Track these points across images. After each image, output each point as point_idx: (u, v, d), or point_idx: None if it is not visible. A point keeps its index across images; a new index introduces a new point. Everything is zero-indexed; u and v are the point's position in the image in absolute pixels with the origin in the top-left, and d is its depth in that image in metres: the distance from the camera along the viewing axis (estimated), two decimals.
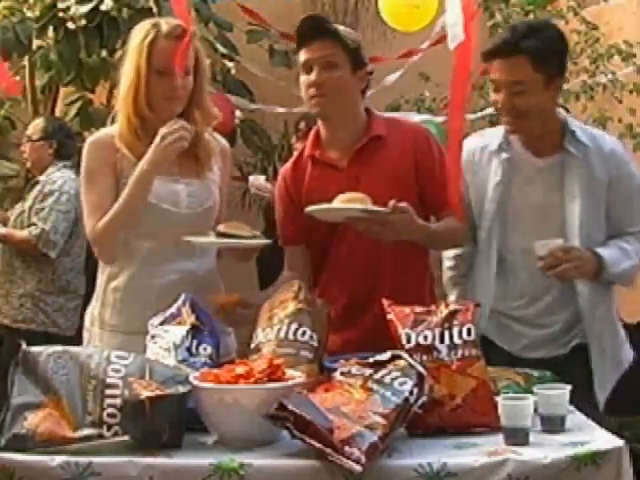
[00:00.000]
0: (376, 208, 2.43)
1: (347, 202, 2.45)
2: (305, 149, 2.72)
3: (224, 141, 2.75)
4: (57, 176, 4.49)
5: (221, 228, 2.52)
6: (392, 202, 2.42)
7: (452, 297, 2.84)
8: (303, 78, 2.61)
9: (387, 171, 2.61)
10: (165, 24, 2.54)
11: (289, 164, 2.79)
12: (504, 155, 2.67)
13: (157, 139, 2.45)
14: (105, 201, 2.51)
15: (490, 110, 4.99)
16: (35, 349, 2.00)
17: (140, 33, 2.54)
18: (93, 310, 2.63)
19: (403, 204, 2.43)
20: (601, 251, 2.58)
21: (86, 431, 1.91)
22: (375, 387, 1.91)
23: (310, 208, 2.48)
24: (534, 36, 2.54)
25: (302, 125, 4.37)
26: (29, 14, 5.04)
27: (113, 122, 2.61)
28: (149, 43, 2.50)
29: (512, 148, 2.69)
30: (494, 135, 2.74)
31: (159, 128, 2.51)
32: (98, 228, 2.51)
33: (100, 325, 2.59)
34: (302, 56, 2.61)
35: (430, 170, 2.63)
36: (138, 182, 2.47)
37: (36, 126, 4.65)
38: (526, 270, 2.64)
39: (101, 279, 2.64)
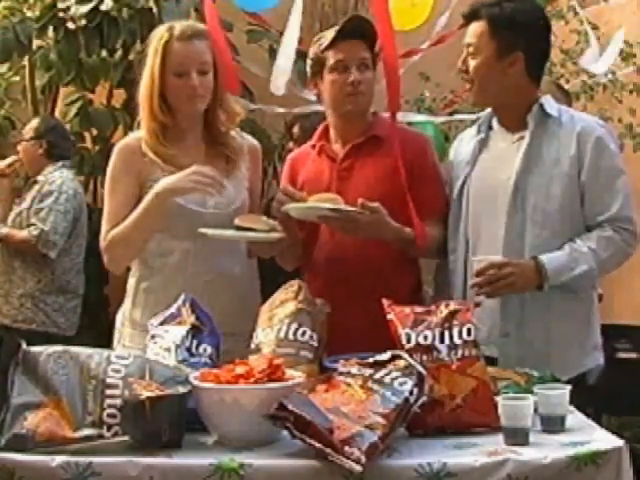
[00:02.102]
0: (344, 207, 2.49)
1: (319, 202, 2.52)
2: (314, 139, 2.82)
3: (252, 140, 2.79)
4: (56, 176, 4.50)
5: (237, 221, 2.52)
6: (360, 200, 2.49)
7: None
8: (334, 77, 2.68)
9: (378, 170, 2.67)
10: (178, 26, 2.57)
11: (297, 151, 2.91)
12: (480, 136, 2.72)
13: (188, 170, 2.45)
14: (121, 210, 2.54)
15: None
16: (35, 349, 2.00)
17: (155, 37, 2.58)
18: (124, 310, 2.65)
19: (374, 204, 2.50)
20: (545, 260, 2.48)
21: (86, 431, 1.91)
22: (375, 387, 1.91)
23: (285, 207, 2.53)
24: (499, 5, 2.59)
25: (296, 129, 4.35)
26: (29, 14, 5.03)
27: (139, 127, 2.63)
28: (163, 45, 2.53)
29: (492, 129, 2.72)
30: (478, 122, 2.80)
31: (184, 130, 2.56)
32: (108, 238, 2.54)
33: (132, 325, 2.60)
34: (336, 55, 2.67)
35: (420, 178, 2.68)
36: (149, 205, 2.48)
37: (31, 126, 4.66)
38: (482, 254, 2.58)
39: (132, 280, 2.65)
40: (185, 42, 2.54)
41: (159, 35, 2.56)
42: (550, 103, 2.65)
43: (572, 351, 2.58)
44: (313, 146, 2.79)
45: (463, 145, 2.79)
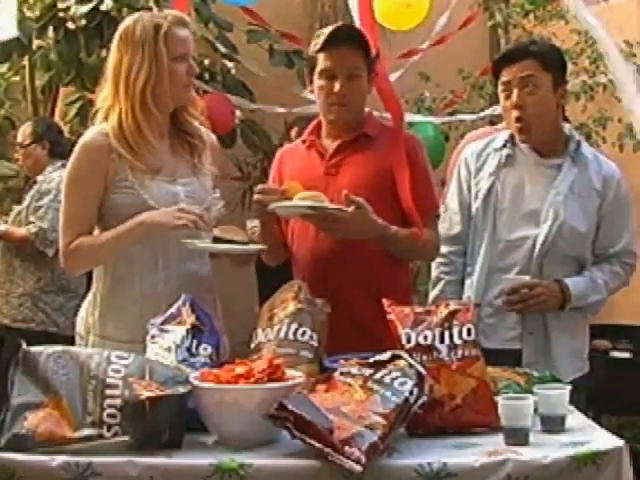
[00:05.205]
0: (325, 205, 2.46)
1: (303, 200, 2.48)
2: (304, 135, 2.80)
3: (212, 135, 2.73)
4: (54, 175, 4.50)
5: (217, 232, 2.51)
6: (345, 192, 2.46)
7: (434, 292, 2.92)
8: (321, 83, 2.64)
9: (367, 168, 2.65)
10: (169, 14, 2.54)
11: (287, 146, 2.88)
12: (506, 151, 2.83)
13: (175, 207, 2.41)
14: (85, 216, 2.48)
15: (490, 111, 4.99)
16: (35, 349, 2.00)
17: (147, 26, 2.48)
18: (89, 317, 2.55)
19: (359, 199, 2.47)
20: (570, 284, 2.72)
21: (86, 431, 1.91)
22: (375, 387, 1.91)
23: (271, 206, 2.49)
24: (538, 44, 2.83)
25: (293, 132, 4.35)
26: (29, 14, 5.03)
27: (94, 119, 2.55)
28: (164, 34, 2.47)
29: (517, 147, 2.84)
30: (499, 136, 2.90)
31: (164, 121, 2.52)
32: (74, 246, 2.46)
33: (100, 334, 2.50)
34: (324, 62, 2.62)
35: (411, 178, 2.62)
36: (130, 231, 2.43)
37: (25, 132, 4.67)
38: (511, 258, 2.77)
39: (98, 285, 2.55)
40: (182, 28, 2.52)
41: (152, 25, 2.47)
42: (579, 138, 2.85)
43: (573, 357, 2.81)
44: (304, 141, 2.77)
45: (486, 158, 2.86)
